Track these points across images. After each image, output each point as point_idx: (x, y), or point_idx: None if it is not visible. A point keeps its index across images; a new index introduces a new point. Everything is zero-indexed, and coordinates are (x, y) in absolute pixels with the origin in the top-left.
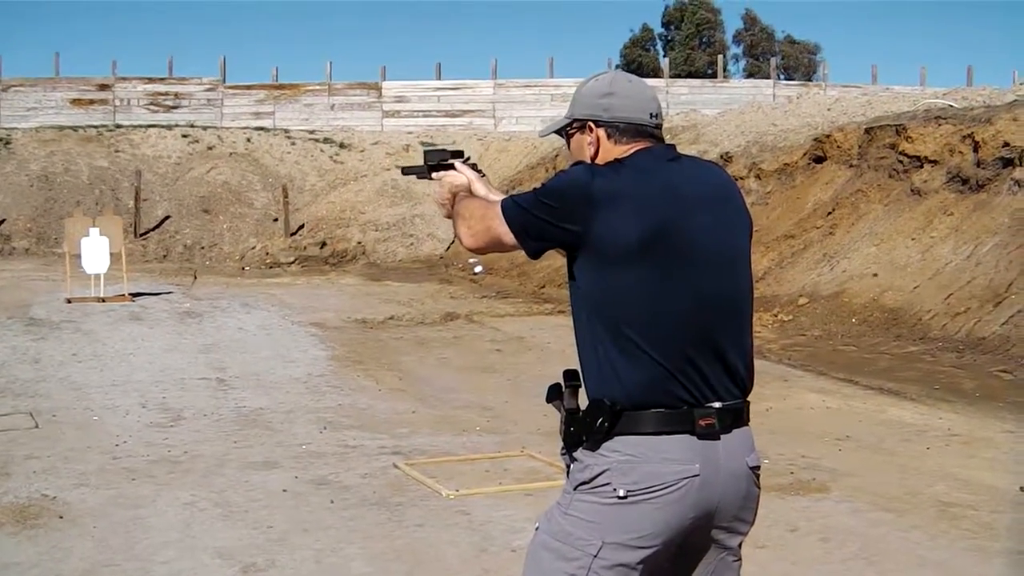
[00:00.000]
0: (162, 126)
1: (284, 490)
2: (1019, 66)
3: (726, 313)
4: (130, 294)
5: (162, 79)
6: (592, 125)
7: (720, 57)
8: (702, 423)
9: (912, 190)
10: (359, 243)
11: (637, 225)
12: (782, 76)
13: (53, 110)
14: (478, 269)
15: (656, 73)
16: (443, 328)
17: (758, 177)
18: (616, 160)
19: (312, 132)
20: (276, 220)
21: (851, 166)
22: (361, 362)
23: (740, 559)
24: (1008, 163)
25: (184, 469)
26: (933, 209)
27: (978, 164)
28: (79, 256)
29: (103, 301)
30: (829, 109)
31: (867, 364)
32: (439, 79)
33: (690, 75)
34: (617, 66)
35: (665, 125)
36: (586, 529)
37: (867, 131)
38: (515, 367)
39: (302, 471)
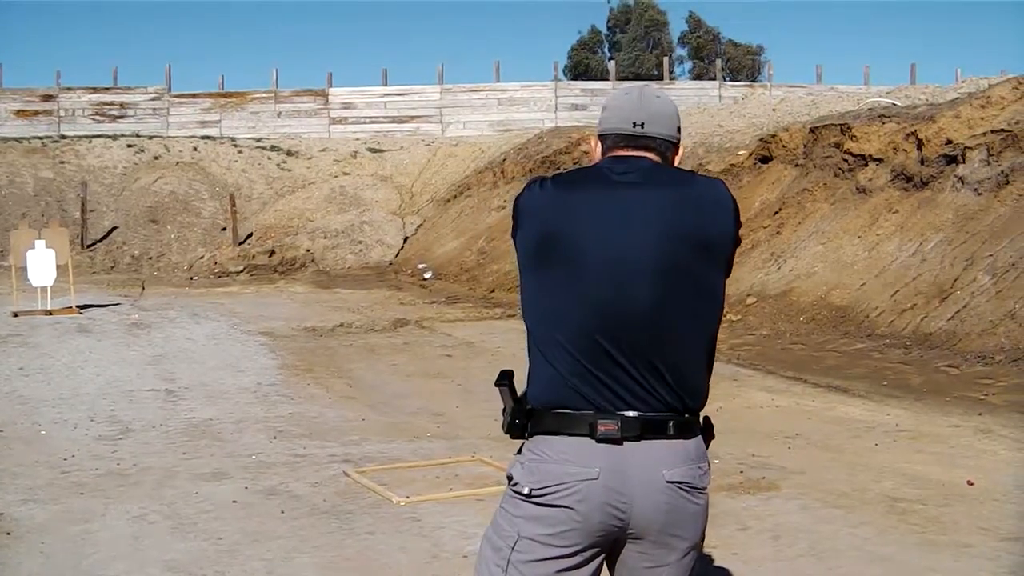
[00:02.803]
0: (108, 136)
1: (234, 501)
2: (962, 63)
3: (625, 325)
4: (77, 306)
5: (107, 89)
6: (597, 136)
7: (667, 59)
8: (601, 428)
9: (857, 188)
10: (308, 251)
11: (534, 233)
12: (727, 78)
13: None
14: (428, 275)
15: (603, 76)
16: (393, 335)
17: None
18: (574, 169)
19: (259, 140)
20: (224, 229)
21: (797, 165)
22: (311, 370)
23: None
24: (951, 160)
25: (133, 482)
26: (878, 207)
27: (922, 162)
28: (25, 269)
29: (50, 314)
30: (774, 109)
31: (815, 362)
32: (386, 84)
33: (637, 77)
34: (564, 67)
35: None
36: (508, 522)
37: (812, 130)
38: (465, 372)
39: (252, 481)
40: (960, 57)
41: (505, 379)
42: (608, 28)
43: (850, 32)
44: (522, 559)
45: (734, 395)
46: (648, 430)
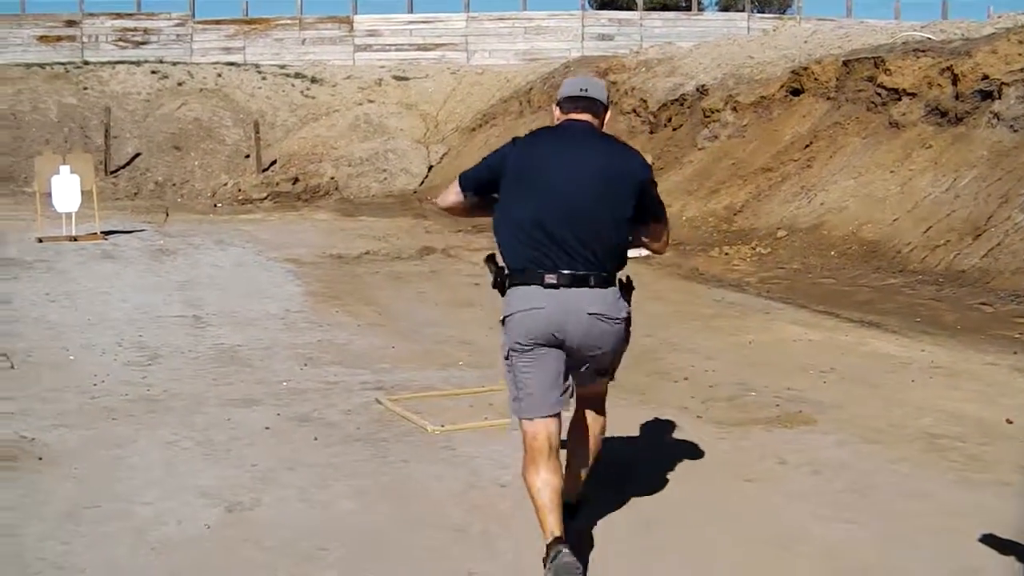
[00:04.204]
0: (131, 62)
1: (266, 428)
2: (994, 1)
3: (567, 221)
4: (102, 232)
5: (130, 14)
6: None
7: None
8: (546, 280)
9: (890, 123)
10: (332, 178)
11: (516, 168)
12: (756, 9)
13: (19, 47)
14: None
15: (630, 6)
16: (420, 263)
17: (734, 110)
18: (536, 132)
19: (283, 67)
20: (248, 156)
21: (829, 99)
22: (338, 298)
23: (607, 377)
24: (987, 96)
25: (164, 408)
26: (911, 142)
27: (957, 97)
28: (50, 195)
29: (75, 240)
30: (806, 42)
31: (847, 297)
32: (411, 12)
33: (664, 8)
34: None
35: (640, 58)
36: (503, 336)
37: (845, 64)
38: (494, 300)
39: (284, 408)
40: None
41: (491, 258)
42: None
43: None
44: (512, 365)
45: (766, 327)
46: (576, 282)
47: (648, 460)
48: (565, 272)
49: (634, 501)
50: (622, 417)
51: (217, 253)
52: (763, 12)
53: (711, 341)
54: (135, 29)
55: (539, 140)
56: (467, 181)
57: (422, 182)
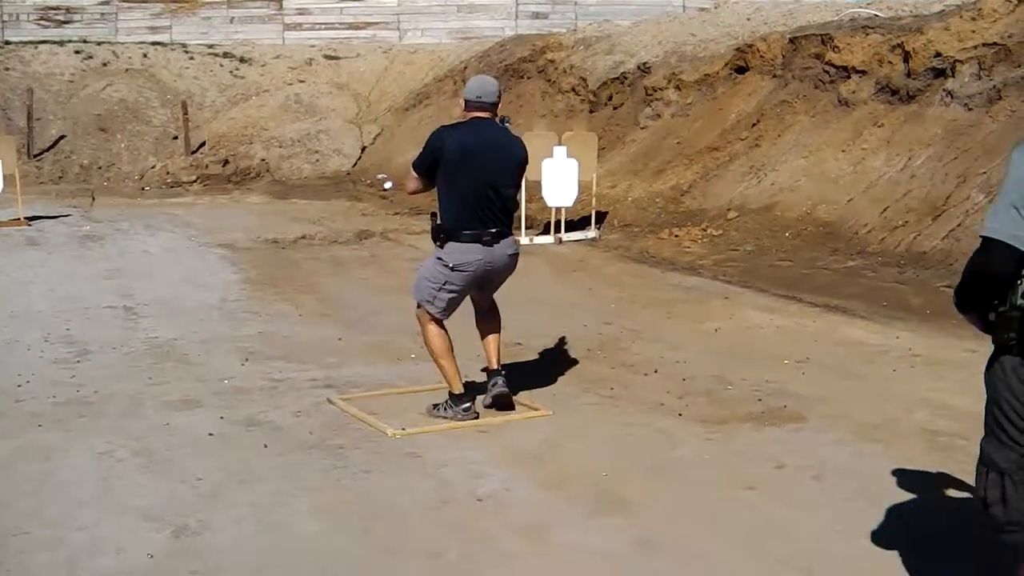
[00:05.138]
0: (54, 42)
1: (210, 434)
2: None
3: (493, 192)
4: (26, 218)
5: None
6: (461, 101)
7: None
8: (484, 237)
9: (840, 101)
10: (263, 160)
11: (456, 149)
12: None
13: None
14: (388, 184)
15: None
16: (358, 247)
17: (678, 88)
18: (460, 122)
19: (211, 47)
20: (176, 138)
21: (775, 76)
22: (276, 285)
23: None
24: (940, 73)
25: (96, 412)
26: (863, 120)
27: (909, 75)
28: None
29: None
30: (749, 19)
31: (807, 280)
32: None
33: None
34: None
35: (578, 36)
36: (440, 272)
37: (791, 41)
38: None
39: (228, 410)
40: None
41: (433, 215)
42: None
43: None
44: (446, 289)
45: (730, 314)
46: (500, 237)
47: (633, 467)
48: (493, 230)
49: (628, 517)
50: (595, 417)
51: (147, 239)
52: None
53: (675, 329)
54: (58, 7)
55: (466, 131)
56: (421, 167)
57: (355, 163)
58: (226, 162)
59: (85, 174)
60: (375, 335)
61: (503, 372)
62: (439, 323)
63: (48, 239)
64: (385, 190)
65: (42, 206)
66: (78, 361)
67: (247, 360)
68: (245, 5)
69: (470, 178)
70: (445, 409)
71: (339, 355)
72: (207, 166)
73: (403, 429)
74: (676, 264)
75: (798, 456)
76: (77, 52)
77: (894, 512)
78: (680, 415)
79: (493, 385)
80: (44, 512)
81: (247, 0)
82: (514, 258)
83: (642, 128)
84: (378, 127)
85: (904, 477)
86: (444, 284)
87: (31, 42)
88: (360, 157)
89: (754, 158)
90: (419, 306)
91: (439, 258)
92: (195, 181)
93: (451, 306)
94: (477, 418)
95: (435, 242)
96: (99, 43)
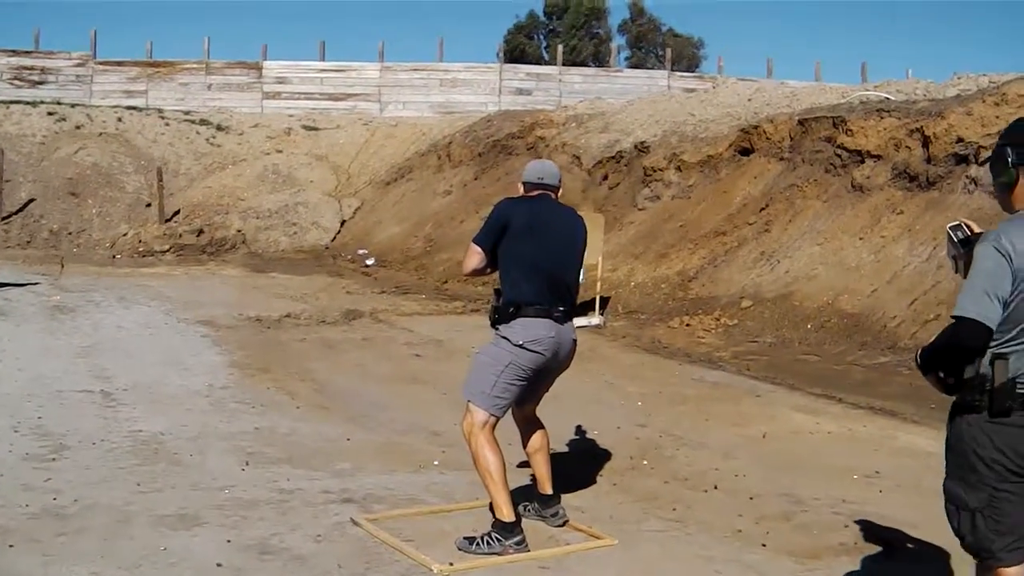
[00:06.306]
0: (27, 103)
1: (219, 564)
2: (913, 65)
3: (561, 268)
4: None
5: (28, 52)
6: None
7: (613, 46)
8: (555, 314)
9: (853, 186)
10: (239, 231)
11: (524, 220)
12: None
13: None
14: (370, 261)
15: (538, 61)
16: (348, 328)
17: (679, 169)
18: (523, 197)
19: (188, 113)
20: (149, 205)
21: (782, 159)
22: (267, 370)
23: None
24: (962, 160)
25: (77, 528)
26: (880, 207)
27: (928, 160)
28: None
29: None
30: (750, 100)
31: (840, 377)
32: (323, 60)
33: (575, 64)
34: (498, 54)
35: (569, 113)
36: (505, 353)
37: (800, 123)
38: (444, 377)
39: (234, 530)
40: (910, 58)
41: (497, 292)
42: (545, 14)
43: (798, 28)
44: (508, 373)
45: (771, 416)
46: (568, 317)
47: None
48: (562, 309)
49: None
50: (667, 548)
51: (121, 312)
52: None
53: (717, 434)
54: (32, 68)
55: (532, 204)
56: (486, 241)
57: (334, 237)
58: (201, 232)
59: (55, 239)
60: (385, 434)
61: (559, 499)
62: (492, 434)
63: (16, 309)
64: (367, 266)
65: (9, 271)
66: (53, 459)
67: (247, 463)
68: (224, 72)
69: (539, 250)
70: (489, 543)
71: (350, 459)
72: (181, 235)
73: (451, 564)
74: (692, 355)
75: None
76: (50, 114)
77: None
78: (764, 545)
79: (553, 515)
80: None
81: (226, 67)
82: (575, 345)
83: (640, 209)
84: (358, 200)
85: None
86: (508, 366)
87: (3, 101)
88: (339, 231)
89: (765, 244)
90: (467, 411)
91: (504, 337)
92: (168, 250)
93: (510, 399)
94: (529, 550)
95: (495, 325)
96: (73, 105)
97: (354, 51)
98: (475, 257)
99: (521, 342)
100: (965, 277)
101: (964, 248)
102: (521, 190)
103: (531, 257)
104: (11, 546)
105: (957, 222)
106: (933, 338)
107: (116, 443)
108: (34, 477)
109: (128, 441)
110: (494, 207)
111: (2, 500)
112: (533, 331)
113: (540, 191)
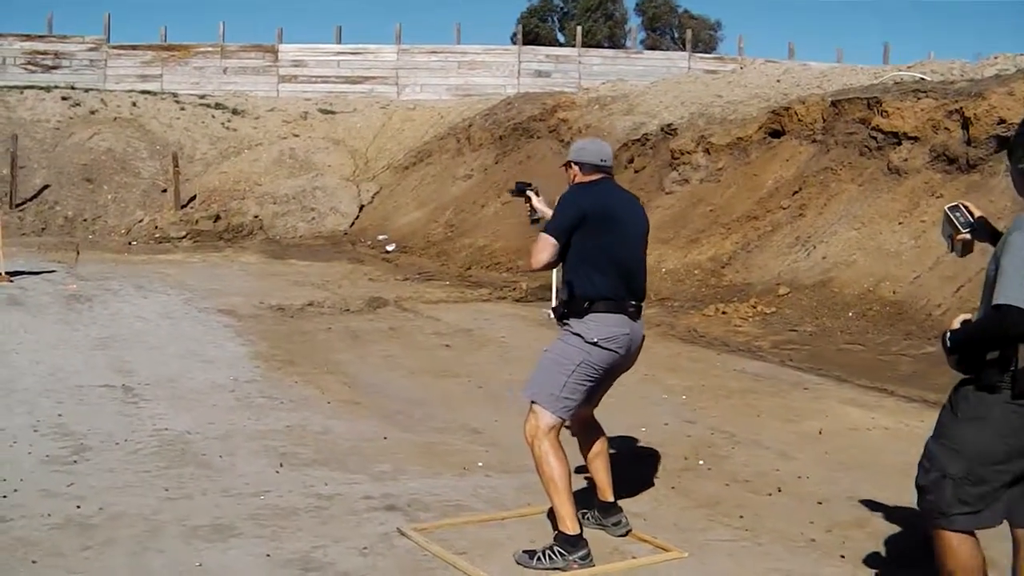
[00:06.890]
0: (40, 87)
1: None
2: (935, 47)
3: (632, 258)
4: (7, 273)
5: (41, 37)
6: (572, 163)
7: (631, 27)
8: (629, 309)
9: (889, 169)
10: (256, 217)
11: (599, 210)
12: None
13: None
14: (390, 247)
15: (551, 43)
16: (373, 317)
17: (707, 152)
18: (589, 182)
19: (203, 97)
20: (165, 191)
21: (814, 141)
22: (293, 362)
23: None
24: (1004, 141)
25: (103, 540)
26: (918, 190)
27: (968, 142)
28: None
29: None
30: (779, 81)
31: (887, 368)
32: (339, 43)
33: (591, 46)
34: (513, 35)
35: (592, 95)
36: (576, 352)
37: (833, 104)
38: (476, 369)
39: (272, 543)
40: (932, 42)
41: (569, 284)
42: None
43: (817, 9)
44: (579, 372)
45: (824, 411)
46: (639, 312)
47: None
48: (634, 303)
49: None
50: (740, 561)
51: (139, 301)
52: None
53: (770, 431)
54: (46, 52)
55: (601, 192)
56: (562, 232)
57: (353, 223)
58: (217, 218)
59: (69, 226)
60: (424, 433)
61: (620, 507)
62: (557, 439)
63: (32, 299)
64: (388, 252)
65: (24, 259)
66: (75, 461)
67: (281, 465)
68: (239, 55)
69: (612, 241)
70: (551, 557)
71: (389, 461)
72: (197, 221)
73: None
74: (730, 345)
75: None
76: (64, 98)
77: None
78: (843, 557)
79: (615, 524)
80: None
81: (241, 50)
82: (643, 342)
83: (668, 193)
84: (376, 185)
85: None
86: (579, 365)
87: (17, 87)
88: (358, 216)
89: (799, 228)
90: (531, 413)
91: (576, 334)
92: (184, 237)
93: (578, 400)
94: (594, 565)
95: (562, 320)
96: (87, 90)
97: (370, 34)
98: (549, 250)
99: (596, 339)
100: (962, 257)
101: (970, 231)
102: (575, 172)
103: (605, 249)
104: (34, 562)
105: (956, 204)
106: (955, 321)
107: (140, 443)
108: (56, 482)
109: (153, 441)
110: (563, 197)
111: (23, 509)
112: (607, 328)
113: (602, 175)
